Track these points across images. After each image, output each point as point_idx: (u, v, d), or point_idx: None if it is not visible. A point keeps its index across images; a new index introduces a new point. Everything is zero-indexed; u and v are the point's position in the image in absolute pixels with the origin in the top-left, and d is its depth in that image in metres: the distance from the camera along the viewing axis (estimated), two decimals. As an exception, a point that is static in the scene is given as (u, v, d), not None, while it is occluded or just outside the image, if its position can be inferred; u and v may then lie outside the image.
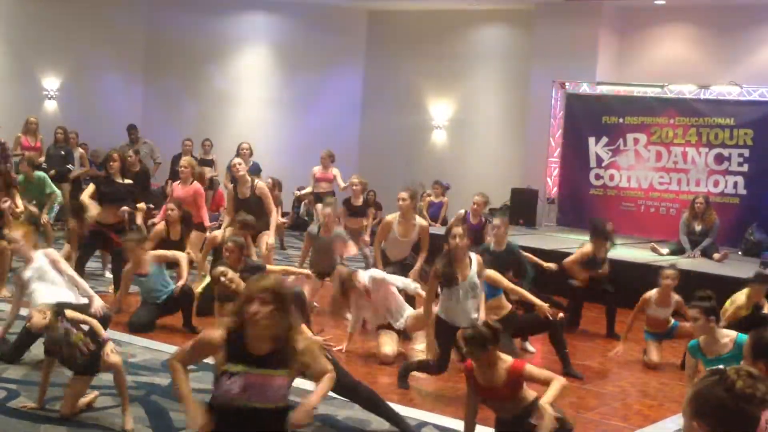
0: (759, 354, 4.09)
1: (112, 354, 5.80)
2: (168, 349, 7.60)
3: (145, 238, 9.06)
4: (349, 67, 18.83)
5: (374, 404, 5.99)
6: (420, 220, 9.34)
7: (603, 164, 14.76)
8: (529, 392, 5.37)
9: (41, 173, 11.89)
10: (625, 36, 16.16)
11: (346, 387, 5.75)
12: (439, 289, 7.02)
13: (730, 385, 2.56)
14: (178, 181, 11.09)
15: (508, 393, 5.27)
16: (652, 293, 8.44)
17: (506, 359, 5.32)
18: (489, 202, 11.05)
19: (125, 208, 9.85)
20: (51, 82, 17.72)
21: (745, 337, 5.22)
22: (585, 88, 15.15)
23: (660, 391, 7.65)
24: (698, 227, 12.09)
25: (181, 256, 8.74)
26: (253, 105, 18.59)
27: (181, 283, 8.46)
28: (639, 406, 7.17)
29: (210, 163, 15.89)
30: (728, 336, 6.19)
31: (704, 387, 2.61)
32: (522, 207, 15.13)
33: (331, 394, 5.96)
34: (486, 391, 5.34)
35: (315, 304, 9.23)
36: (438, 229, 14.39)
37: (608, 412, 6.97)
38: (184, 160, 11.14)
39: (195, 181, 10.83)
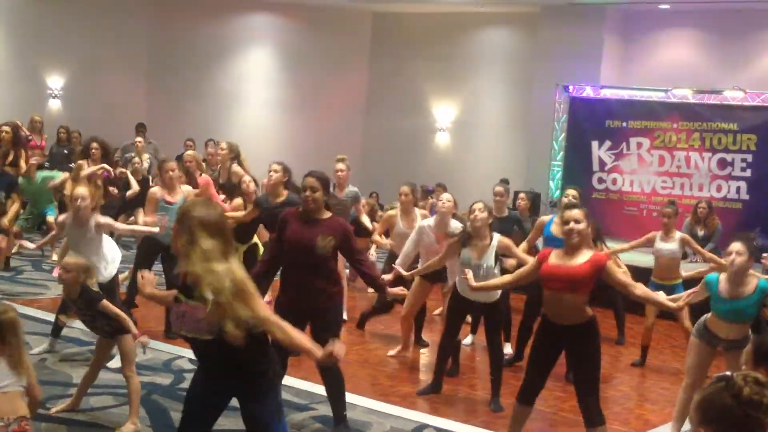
0: (760, 360, 4.09)
1: (134, 375, 5.81)
2: (169, 349, 7.61)
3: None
4: (354, 69, 18.83)
5: (338, 391, 5.88)
6: (420, 212, 8.97)
7: (606, 168, 14.74)
8: (589, 310, 5.37)
9: (45, 173, 11.80)
10: (629, 40, 16.14)
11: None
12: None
13: (737, 392, 2.55)
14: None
15: (584, 272, 5.24)
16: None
17: (590, 251, 5.43)
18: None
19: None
20: (55, 81, 17.75)
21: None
22: (588, 92, 15.14)
23: (661, 395, 7.64)
24: (701, 232, 12.07)
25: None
26: (257, 106, 18.59)
27: None
28: (640, 411, 7.16)
29: (213, 164, 15.87)
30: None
31: (710, 393, 2.60)
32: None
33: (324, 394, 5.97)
34: (557, 269, 5.29)
35: None
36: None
37: (609, 416, 6.92)
38: (188, 155, 11.04)
39: (202, 173, 10.76)
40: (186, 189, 8.49)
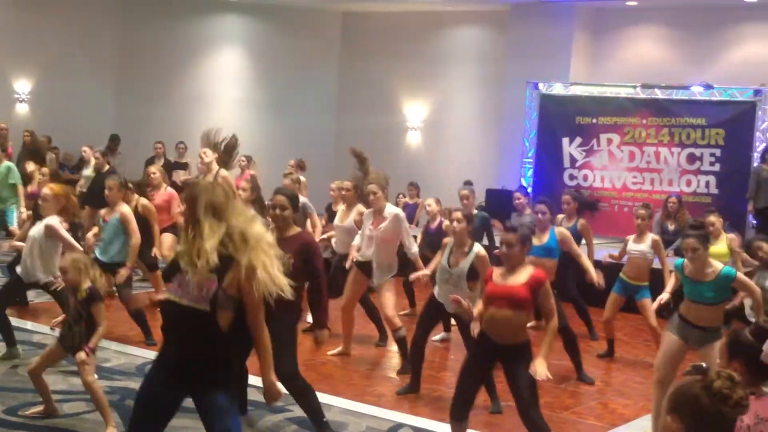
0: (735, 353, 4.13)
1: (95, 381, 5.73)
2: (142, 353, 7.55)
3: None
4: (324, 69, 18.80)
5: (308, 400, 5.76)
6: (360, 207, 8.71)
7: (577, 164, 14.83)
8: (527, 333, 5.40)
9: (9, 164, 11.66)
10: (599, 37, 16.26)
11: (284, 376, 5.36)
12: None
13: (708, 384, 2.60)
14: (150, 189, 10.62)
15: (524, 294, 5.23)
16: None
17: (530, 267, 5.43)
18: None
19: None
20: (22, 86, 17.56)
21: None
22: (559, 89, 15.21)
23: (635, 389, 7.69)
24: (671, 227, 12.17)
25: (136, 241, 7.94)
26: (228, 107, 18.50)
27: (126, 270, 7.78)
28: (614, 405, 7.20)
29: (184, 167, 15.79)
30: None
31: (685, 383, 2.66)
32: (497, 208, 15.14)
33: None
34: (499, 289, 5.31)
35: None
36: (414, 230, 14.40)
37: (584, 411, 7.00)
38: (154, 168, 10.76)
39: (167, 186, 10.45)
40: (124, 208, 8.05)
